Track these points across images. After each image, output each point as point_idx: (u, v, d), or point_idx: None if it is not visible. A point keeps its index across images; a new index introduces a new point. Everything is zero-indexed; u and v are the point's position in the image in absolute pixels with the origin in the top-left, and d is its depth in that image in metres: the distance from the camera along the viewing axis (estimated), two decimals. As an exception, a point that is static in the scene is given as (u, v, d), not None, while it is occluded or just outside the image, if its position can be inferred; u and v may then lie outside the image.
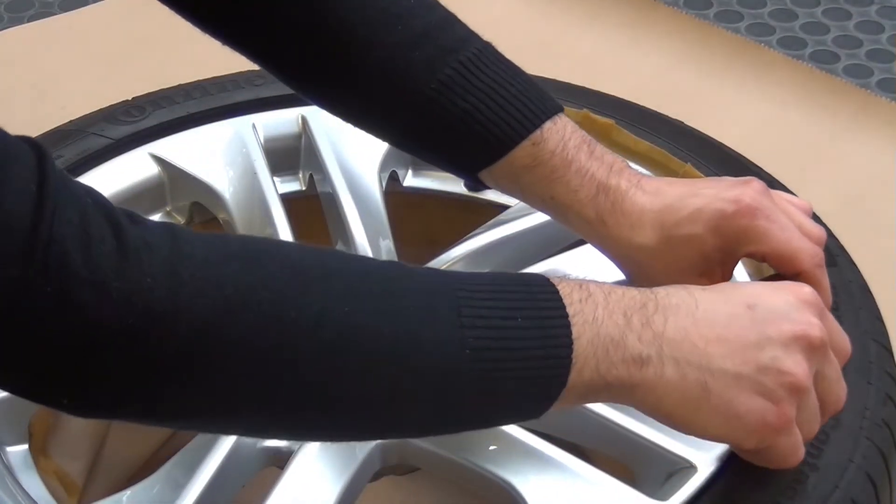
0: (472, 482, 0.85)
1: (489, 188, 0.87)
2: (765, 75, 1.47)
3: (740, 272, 0.93)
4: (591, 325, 0.67)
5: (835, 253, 0.94)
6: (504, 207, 1.06)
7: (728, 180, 0.81)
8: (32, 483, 0.88)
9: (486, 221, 1.03)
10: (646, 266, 0.81)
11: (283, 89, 1.10)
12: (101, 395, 0.61)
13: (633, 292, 0.70)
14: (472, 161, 0.84)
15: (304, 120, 1.10)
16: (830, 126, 1.39)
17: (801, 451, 0.74)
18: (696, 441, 0.82)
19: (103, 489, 1.02)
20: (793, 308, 0.72)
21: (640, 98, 1.13)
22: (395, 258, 1.04)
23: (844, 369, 0.78)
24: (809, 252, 0.78)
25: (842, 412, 0.80)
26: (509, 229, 1.00)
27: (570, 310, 0.68)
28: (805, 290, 0.73)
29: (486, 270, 1.00)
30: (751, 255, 0.80)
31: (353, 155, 1.08)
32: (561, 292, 0.68)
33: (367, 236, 1.01)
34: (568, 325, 0.67)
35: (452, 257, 0.99)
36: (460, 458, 0.85)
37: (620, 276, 0.86)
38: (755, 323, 0.70)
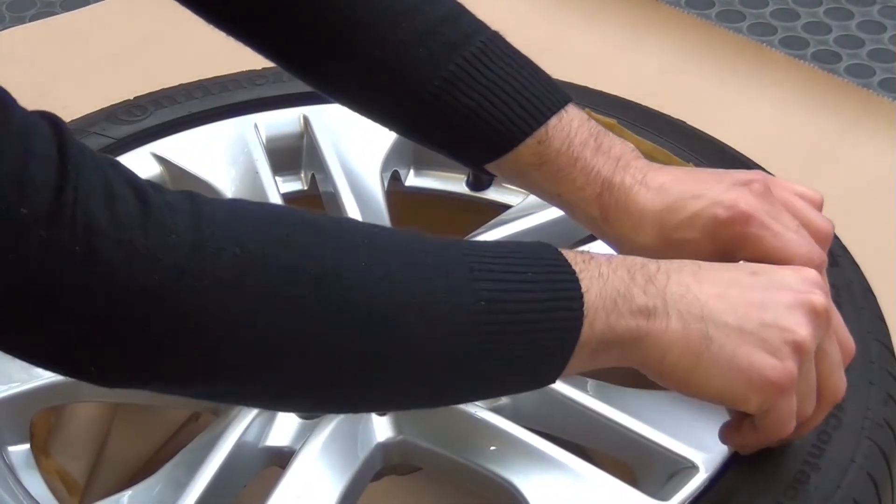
0: (473, 482, 0.85)
1: (494, 177, 0.88)
2: (766, 75, 1.47)
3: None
4: (597, 279, 0.69)
5: (836, 253, 0.94)
6: (506, 207, 1.06)
7: (732, 177, 0.81)
8: (34, 482, 0.88)
9: (488, 221, 1.03)
10: None
11: (285, 89, 1.11)
12: (130, 358, 0.61)
13: (634, 257, 0.72)
14: (476, 157, 0.85)
15: (305, 119, 1.10)
16: (832, 126, 1.38)
17: (794, 423, 0.73)
18: (698, 441, 0.82)
19: (105, 489, 1.02)
20: (796, 280, 0.73)
21: (642, 98, 1.13)
22: (396, 258, 1.03)
23: (846, 369, 0.78)
24: (805, 258, 0.78)
25: (843, 411, 0.80)
26: (511, 229, 1.00)
27: (575, 268, 0.69)
28: (810, 270, 0.74)
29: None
30: (748, 260, 0.80)
31: (355, 154, 1.08)
32: (564, 254, 0.70)
33: (368, 236, 1.01)
34: (576, 280, 0.68)
35: (454, 257, 0.99)
36: (462, 458, 0.85)
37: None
38: (758, 287, 0.72)
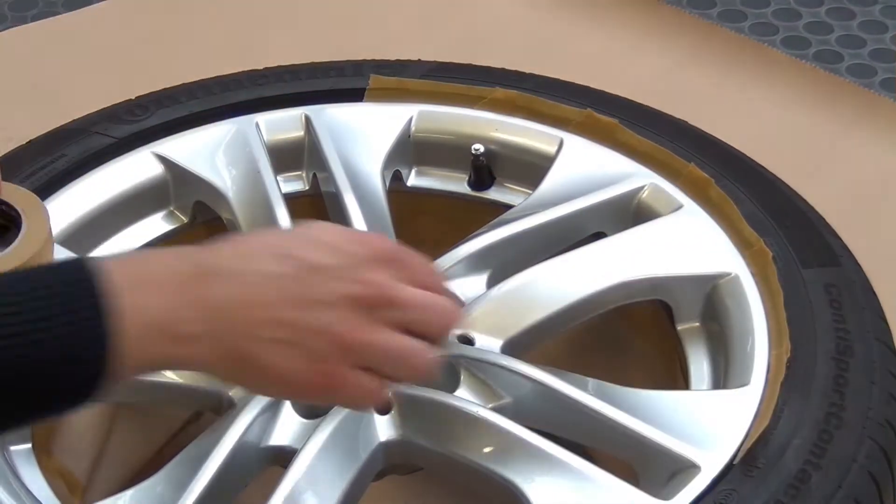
0: (474, 482, 0.85)
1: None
2: (768, 75, 1.47)
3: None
4: (140, 310, 0.66)
5: (838, 253, 0.94)
6: (507, 207, 1.06)
7: None
8: (35, 482, 0.88)
9: (490, 221, 1.03)
10: None
11: (287, 89, 1.11)
12: None
13: (184, 256, 0.70)
14: None
15: (307, 119, 1.10)
16: (834, 126, 1.38)
17: (372, 397, 0.72)
18: (699, 442, 0.82)
19: (106, 488, 1.02)
20: (345, 266, 0.71)
21: (644, 98, 1.13)
22: (398, 257, 1.04)
23: (847, 369, 0.78)
24: None
25: (845, 410, 0.80)
26: (512, 229, 1.00)
27: (114, 292, 0.65)
28: (374, 241, 0.74)
29: (489, 270, 1.00)
30: None
31: (357, 154, 1.08)
32: (107, 277, 0.65)
33: (370, 236, 1.01)
34: (107, 315, 0.64)
35: (456, 257, 0.99)
36: (463, 457, 0.85)
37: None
38: (300, 283, 0.70)
